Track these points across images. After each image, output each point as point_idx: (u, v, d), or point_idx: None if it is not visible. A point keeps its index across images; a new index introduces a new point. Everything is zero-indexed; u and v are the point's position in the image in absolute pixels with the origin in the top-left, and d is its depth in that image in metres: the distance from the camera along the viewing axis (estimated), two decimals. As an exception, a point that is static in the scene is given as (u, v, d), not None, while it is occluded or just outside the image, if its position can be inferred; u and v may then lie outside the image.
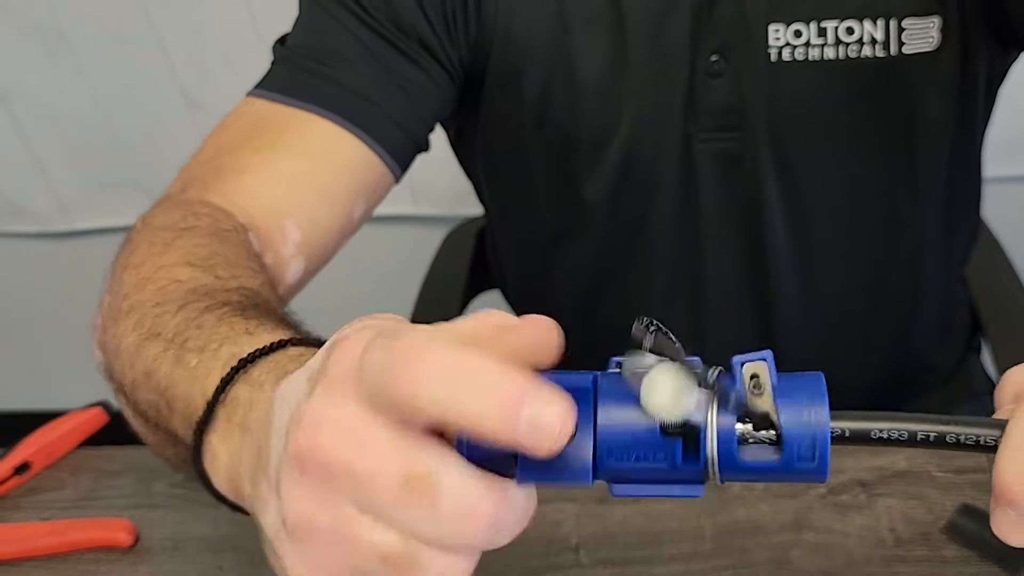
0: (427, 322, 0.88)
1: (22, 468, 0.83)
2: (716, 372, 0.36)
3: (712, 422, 0.35)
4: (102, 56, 1.39)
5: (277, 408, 0.38)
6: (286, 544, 0.36)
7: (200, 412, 0.45)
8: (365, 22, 0.72)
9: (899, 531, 0.66)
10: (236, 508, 0.48)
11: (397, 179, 0.74)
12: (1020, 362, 0.90)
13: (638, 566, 0.67)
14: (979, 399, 0.93)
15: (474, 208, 1.19)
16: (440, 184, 1.43)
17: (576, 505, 0.72)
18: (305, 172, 0.69)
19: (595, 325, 0.85)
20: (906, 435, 0.37)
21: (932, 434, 0.37)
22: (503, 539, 0.35)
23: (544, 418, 0.31)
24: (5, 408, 1.71)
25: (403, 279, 1.18)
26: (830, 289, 0.80)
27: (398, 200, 0.80)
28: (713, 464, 0.35)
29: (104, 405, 0.87)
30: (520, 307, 0.93)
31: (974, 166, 0.81)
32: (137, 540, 0.76)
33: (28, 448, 0.84)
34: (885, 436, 0.37)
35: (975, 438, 0.37)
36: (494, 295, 1.14)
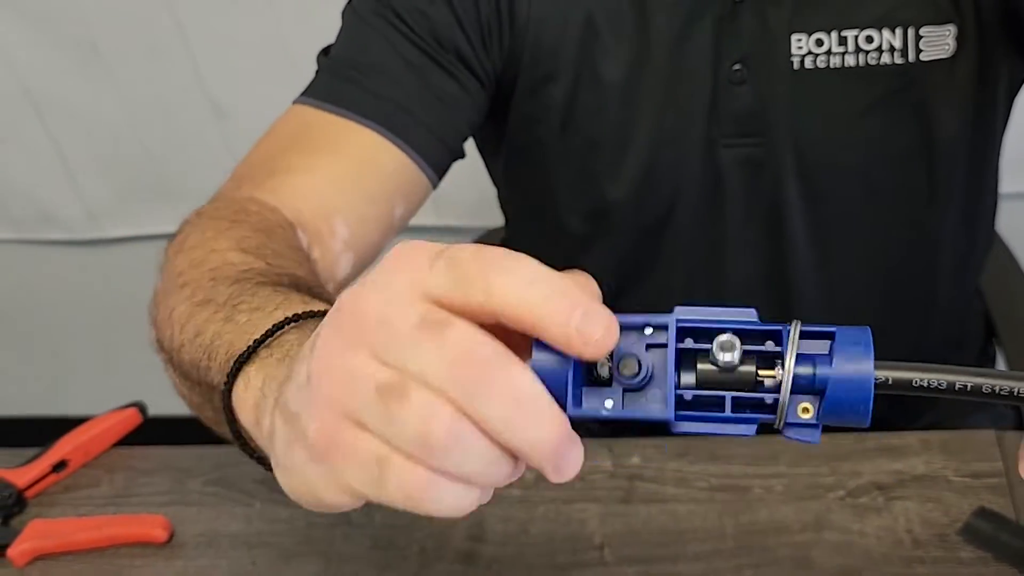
0: None
1: (59, 466, 0.85)
2: (794, 325, 0.38)
3: (788, 372, 0.37)
4: (133, 66, 1.42)
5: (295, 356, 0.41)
6: (303, 392, 0.37)
7: (243, 350, 0.46)
8: (405, 35, 0.75)
9: (916, 532, 0.68)
10: (251, 452, 0.50)
11: (434, 184, 0.77)
12: None
13: (662, 564, 0.69)
14: (993, 408, 0.94)
15: (496, 219, 1.21)
16: (463, 195, 1.45)
17: (600, 505, 0.74)
18: (350, 175, 0.72)
19: None
20: (945, 384, 0.39)
21: (970, 384, 0.39)
22: (515, 436, 0.34)
23: (591, 324, 0.35)
24: (34, 413, 1.73)
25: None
26: (849, 294, 0.81)
27: (421, 211, 0.83)
28: (783, 410, 0.37)
29: (139, 406, 0.90)
30: None
31: (991, 175, 0.82)
32: (172, 536, 0.78)
33: (65, 447, 0.86)
34: (925, 384, 0.39)
35: (1011, 389, 0.38)
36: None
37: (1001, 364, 0.96)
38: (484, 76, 0.77)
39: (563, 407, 0.37)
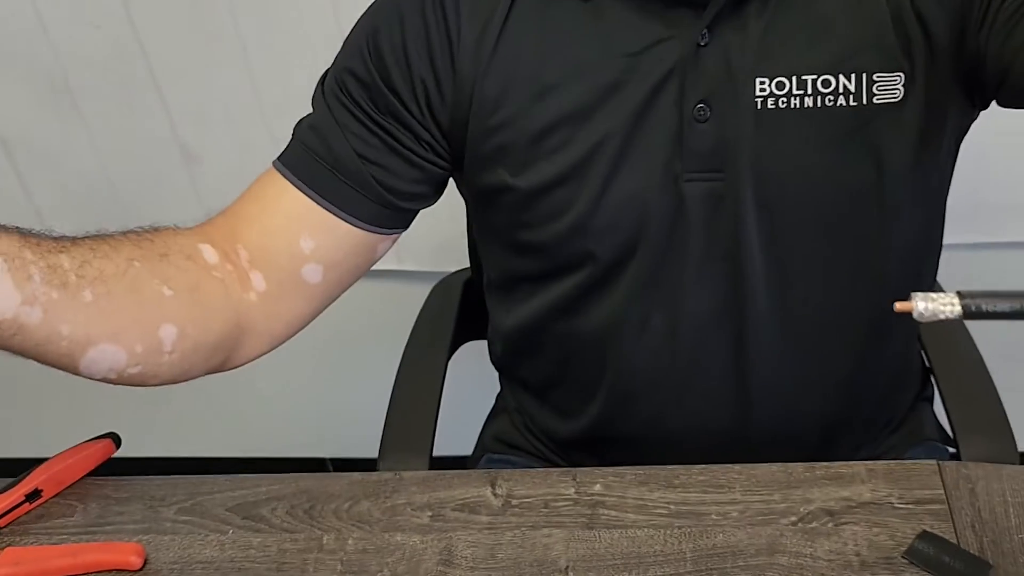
0: (414, 369, 0.92)
1: (33, 495, 0.86)
2: None
3: None
4: (105, 108, 1.44)
5: None
6: None
7: None
8: (353, 114, 0.84)
9: (864, 555, 0.71)
10: None
11: (372, 230, 0.86)
12: (971, 410, 0.96)
13: (624, 586, 0.72)
14: (929, 444, 0.99)
15: (455, 264, 1.25)
16: (423, 242, 1.49)
17: (565, 530, 0.77)
18: (255, 213, 0.85)
19: (569, 348, 0.92)
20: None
21: None
22: None
23: None
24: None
25: (389, 330, 1.23)
26: (804, 327, 0.86)
27: (383, 258, 0.89)
28: None
29: (112, 437, 0.91)
30: (508, 341, 0.99)
31: (937, 218, 0.88)
32: (146, 563, 0.80)
33: (39, 476, 0.87)
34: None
35: None
36: (479, 344, 1.19)
37: (939, 404, 1.01)
38: (428, 132, 0.84)
39: None
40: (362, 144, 0.84)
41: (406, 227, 0.89)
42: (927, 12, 0.75)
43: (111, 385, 0.78)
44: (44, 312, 0.69)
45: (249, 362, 0.88)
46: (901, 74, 0.76)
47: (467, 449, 1.11)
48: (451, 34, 0.82)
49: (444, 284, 1.20)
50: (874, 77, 0.76)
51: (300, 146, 0.85)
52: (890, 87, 0.76)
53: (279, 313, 0.86)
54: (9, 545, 0.82)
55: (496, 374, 1.10)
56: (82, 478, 0.89)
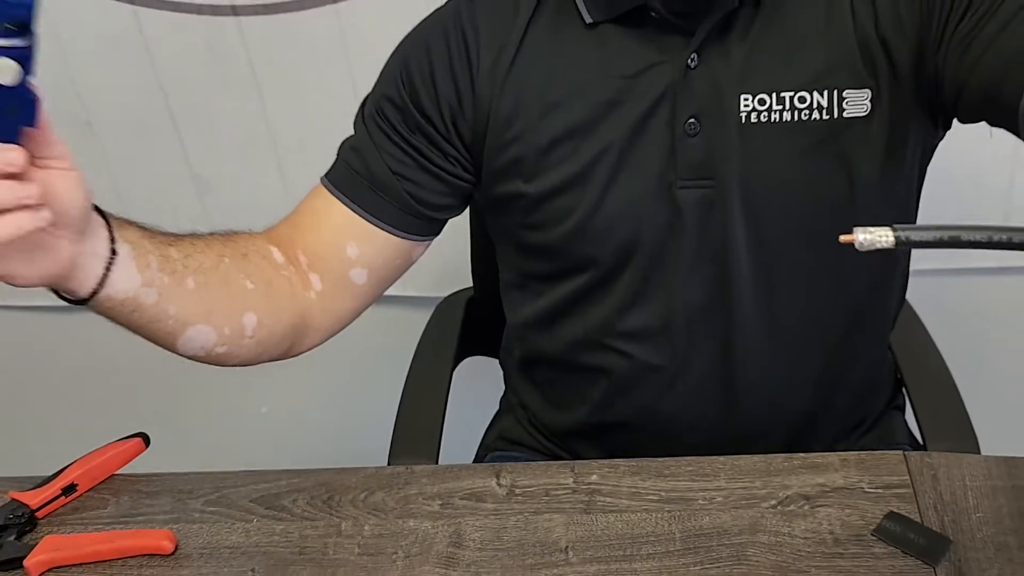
0: (421, 379, 1.00)
1: (69, 489, 0.93)
2: None
3: None
4: (124, 142, 1.52)
5: None
6: None
7: None
8: (388, 136, 0.95)
9: (837, 533, 0.79)
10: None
11: (408, 238, 0.97)
12: (939, 417, 1.03)
13: (619, 563, 0.79)
14: (900, 447, 1.06)
15: (454, 289, 1.33)
16: (424, 270, 1.56)
17: (564, 515, 0.84)
18: (307, 223, 0.98)
19: (572, 343, 1.00)
20: (986, 237, 0.50)
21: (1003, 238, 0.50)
22: None
23: None
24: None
25: (393, 351, 1.30)
26: (786, 327, 0.94)
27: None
28: None
29: (143, 436, 0.98)
30: (520, 338, 1.08)
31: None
32: (177, 548, 0.86)
33: (74, 472, 0.94)
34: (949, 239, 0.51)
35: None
36: (480, 360, 1.27)
37: (909, 412, 1.09)
38: (455, 149, 0.94)
39: None
40: (396, 162, 0.94)
41: (437, 234, 1.00)
42: (890, 37, 0.84)
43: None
44: (158, 294, 0.83)
45: (308, 351, 0.99)
46: (868, 91, 0.85)
47: (468, 458, 1.18)
48: (471, 59, 0.92)
49: (448, 302, 1.27)
50: (844, 93, 0.85)
51: (343, 165, 0.97)
52: (858, 102, 0.85)
53: (333, 310, 0.98)
54: (48, 534, 0.88)
55: (492, 389, 1.18)
56: (114, 474, 0.96)
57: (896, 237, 0.50)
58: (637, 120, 0.89)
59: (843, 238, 0.51)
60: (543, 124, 0.90)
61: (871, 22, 0.85)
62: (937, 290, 1.31)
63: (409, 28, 0.98)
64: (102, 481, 0.95)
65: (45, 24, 1.39)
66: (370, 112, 0.97)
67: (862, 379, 1.01)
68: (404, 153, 0.94)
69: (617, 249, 0.92)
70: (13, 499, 0.91)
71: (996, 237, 0.50)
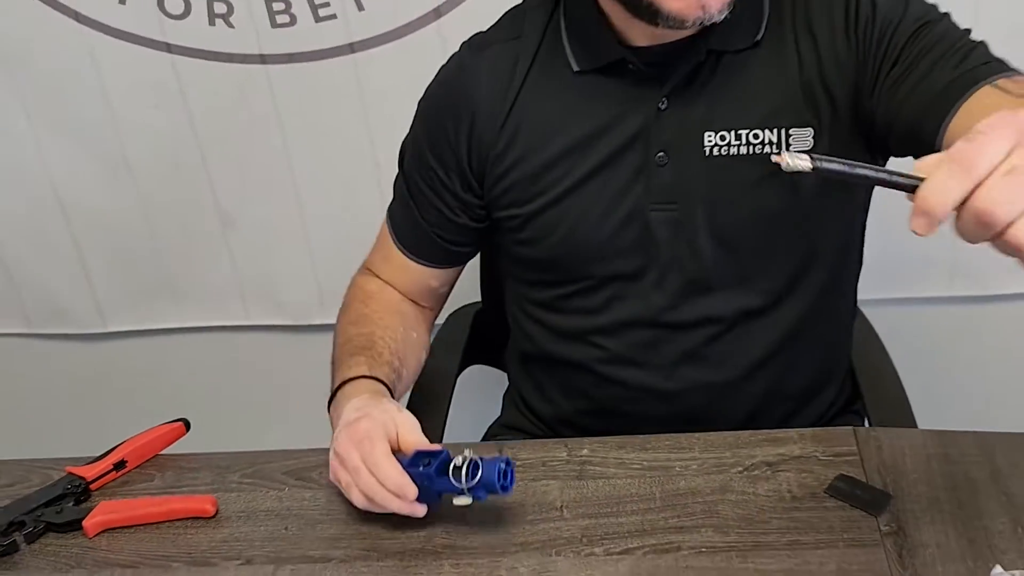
0: (427, 388, 1.16)
1: (119, 465, 1.05)
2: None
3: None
4: (157, 179, 1.65)
5: (344, 411, 0.98)
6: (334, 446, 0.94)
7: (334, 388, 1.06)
8: (420, 190, 1.15)
9: (795, 492, 0.91)
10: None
11: (449, 265, 1.21)
12: (882, 400, 1.16)
13: (607, 518, 0.91)
14: (850, 420, 1.19)
15: (462, 303, 1.46)
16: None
17: (559, 481, 0.96)
18: (399, 270, 1.21)
19: (560, 341, 1.16)
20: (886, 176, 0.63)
21: (882, 176, 0.63)
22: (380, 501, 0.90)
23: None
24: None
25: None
26: (748, 326, 1.07)
27: None
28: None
29: (184, 421, 1.10)
30: (519, 338, 1.23)
31: (854, 243, 1.11)
32: (217, 512, 0.98)
33: (123, 450, 1.06)
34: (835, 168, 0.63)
35: (902, 181, 0.62)
36: (480, 368, 1.40)
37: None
38: (473, 199, 1.13)
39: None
40: (426, 215, 1.15)
41: (473, 257, 1.23)
42: (831, 81, 0.99)
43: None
44: (396, 390, 1.09)
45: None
46: (811, 128, 1.00)
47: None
48: (474, 105, 1.08)
49: (457, 313, 1.40)
50: (790, 131, 1.00)
51: (402, 224, 1.19)
52: (802, 138, 1.00)
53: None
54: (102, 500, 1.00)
55: (494, 395, 1.32)
56: (158, 453, 1.08)
57: (814, 165, 0.63)
58: (614, 152, 1.04)
59: (774, 159, 0.64)
60: (534, 155, 1.06)
61: (815, 67, 0.99)
62: (895, 321, 1.45)
63: (419, 77, 1.15)
64: (148, 459, 1.07)
65: (92, 71, 1.55)
66: (407, 164, 1.17)
67: (814, 368, 1.14)
68: (429, 206, 1.14)
69: (596, 261, 1.08)
70: (70, 472, 1.03)
71: (892, 179, 0.64)
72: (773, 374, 1.11)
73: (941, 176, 0.60)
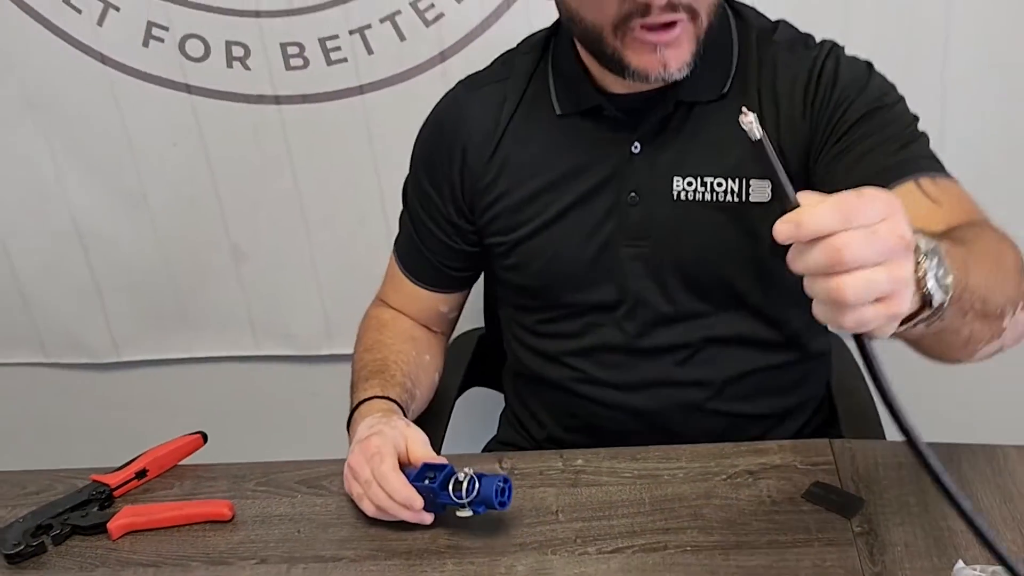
0: (428, 407, 1.22)
1: (141, 474, 1.11)
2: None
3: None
4: (173, 214, 1.73)
5: (359, 429, 1.06)
6: (348, 460, 1.02)
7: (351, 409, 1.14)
8: (420, 219, 1.25)
9: (774, 497, 0.98)
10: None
11: (455, 290, 1.30)
12: (855, 414, 1.22)
13: (600, 521, 0.97)
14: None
15: (469, 327, 1.54)
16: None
17: (555, 488, 1.03)
18: (408, 297, 1.30)
19: (542, 363, 1.24)
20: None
21: (783, 181, 0.69)
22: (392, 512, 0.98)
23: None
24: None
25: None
26: (718, 351, 1.15)
27: None
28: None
29: (202, 434, 1.17)
30: (511, 360, 1.31)
31: None
32: (234, 516, 1.04)
33: (145, 459, 1.12)
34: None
35: (791, 198, 0.68)
36: (481, 390, 1.47)
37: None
38: (466, 224, 1.21)
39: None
40: (427, 243, 1.24)
41: (475, 281, 1.31)
42: (785, 142, 1.07)
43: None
44: (408, 409, 1.16)
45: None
46: (768, 182, 1.07)
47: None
48: (465, 138, 1.17)
49: (461, 338, 1.48)
50: (750, 182, 1.08)
51: (401, 248, 1.29)
52: (761, 190, 1.08)
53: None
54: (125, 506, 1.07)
55: (491, 416, 1.40)
56: (177, 463, 1.14)
57: (757, 139, 0.70)
58: (590, 190, 1.13)
59: (741, 118, 0.69)
60: (517, 189, 1.15)
61: (773, 126, 1.07)
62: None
63: (424, 116, 1.24)
64: (168, 469, 1.14)
65: (114, 110, 1.63)
66: (408, 197, 1.26)
67: (784, 390, 1.21)
68: (430, 235, 1.23)
69: (573, 291, 1.16)
70: (95, 480, 1.10)
71: (787, 190, 0.70)
72: (745, 394, 1.18)
73: (826, 208, 0.67)
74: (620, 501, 1.00)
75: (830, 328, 0.70)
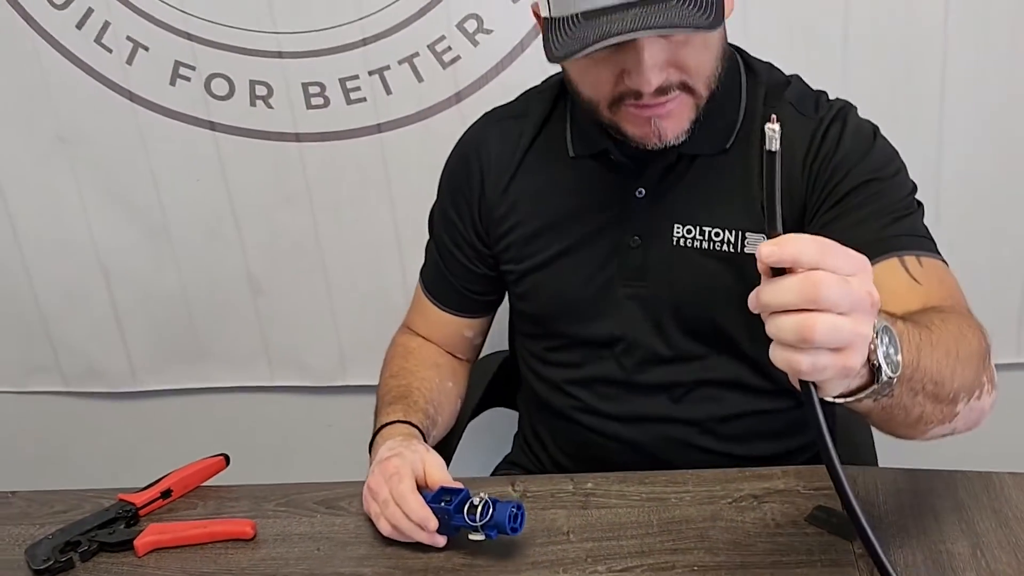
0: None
1: (166, 493, 1.15)
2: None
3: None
4: (194, 248, 1.78)
5: (379, 451, 1.10)
6: (370, 474, 1.06)
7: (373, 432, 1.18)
8: (445, 244, 1.30)
9: (779, 520, 1.01)
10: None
11: (480, 315, 1.35)
12: (851, 441, 1.25)
13: (609, 542, 1.01)
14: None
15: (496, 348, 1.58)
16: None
17: (566, 510, 1.06)
18: (433, 323, 1.36)
19: (548, 392, 1.29)
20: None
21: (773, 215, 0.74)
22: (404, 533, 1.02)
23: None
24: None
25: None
26: (714, 389, 1.19)
27: None
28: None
29: (224, 456, 1.21)
30: (521, 384, 1.37)
31: None
32: (256, 534, 1.08)
33: (170, 480, 1.16)
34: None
35: (779, 227, 0.73)
36: (501, 410, 1.51)
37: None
38: (485, 249, 1.27)
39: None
40: (451, 268, 1.29)
41: (498, 305, 1.35)
42: (782, 200, 1.10)
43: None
44: (429, 434, 1.20)
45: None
46: (763, 235, 1.11)
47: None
48: (484, 168, 1.24)
49: (486, 359, 1.51)
50: (746, 235, 1.12)
51: (426, 275, 1.34)
52: (756, 242, 1.11)
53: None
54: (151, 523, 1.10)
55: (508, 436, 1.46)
56: (201, 484, 1.18)
57: (775, 151, 0.73)
58: (594, 230, 1.18)
59: (767, 125, 0.73)
60: (528, 222, 1.21)
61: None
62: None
63: (440, 155, 1.30)
64: (192, 489, 1.17)
65: (140, 147, 1.69)
66: (434, 226, 1.32)
67: (777, 431, 1.24)
68: (454, 261, 1.29)
69: (575, 324, 1.21)
70: (121, 499, 1.13)
71: (775, 220, 0.74)
72: (737, 435, 1.22)
73: (808, 239, 0.71)
74: (629, 523, 1.03)
75: (786, 371, 0.73)
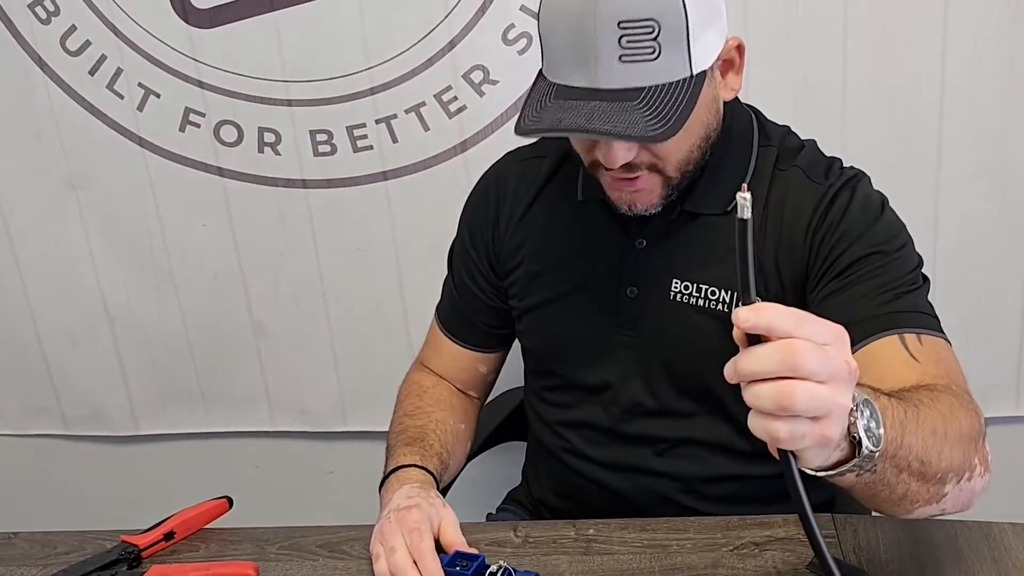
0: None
1: (168, 535, 1.15)
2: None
3: None
4: (198, 291, 1.80)
5: (393, 497, 1.10)
6: (381, 524, 1.05)
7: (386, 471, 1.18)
8: (462, 278, 1.33)
9: (780, 568, 1.02)
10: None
11: (494, 349, 1.37)
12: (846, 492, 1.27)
13: (610, 588, 1.01)
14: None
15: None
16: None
17: (568, 556, 1.06)
18: (448, 358, 1.37)
19: (544, 428, 1.31)
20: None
21: (746, 282, 0.73)
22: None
23: None
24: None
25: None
26: (703, 438, 1.20)
27: None
28: None
29: (227, 498, 1.21)
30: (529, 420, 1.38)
31: None
32: (258, 577, 1.09)
33: (173, 522, 1.16)
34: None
35: (752, 293, 0.73)
36: (505, 445, 1.53)
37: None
38: (497, 281, 1.29)
39: None
40: (466, 300, 1.32)
41: (512, 340, 1.36)
42: (783, 267, 1.12)
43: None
44: (441, 480, 1.20)
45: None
46: (759, 300, 1.13)
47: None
48: (500, 204, 1.27)
49: (506, 394, 1.53)
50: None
51: (442, 309, 1.37)
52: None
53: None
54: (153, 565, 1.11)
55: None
56: (203, 526, 1.18)
57: (742, 222, 0.72)
58: (594, 276, 1.21)
59: (738, 194, 0.70)
60: (533, 261, 1.24)
61: (773, 250, 1.12)
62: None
63: (444, 202, 1.36)
64: (194, 532, 1.18)
65: (149, 191, 1.71)
66: (454, 263, 1.34)
67: (774, 494, 1.22)
68: (471, 296, 1.31)
69: (568, 367, 1.24)
70: (124, 541, 1.14)
71: (749, 289, 0.74)
72: (721, 497, 1.22)
73: (782, 308, 0.72)
74: (631, 569, 1.04)
75: (764, 440, 0.73)
